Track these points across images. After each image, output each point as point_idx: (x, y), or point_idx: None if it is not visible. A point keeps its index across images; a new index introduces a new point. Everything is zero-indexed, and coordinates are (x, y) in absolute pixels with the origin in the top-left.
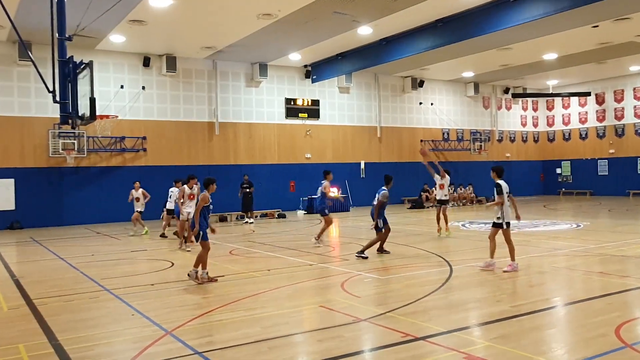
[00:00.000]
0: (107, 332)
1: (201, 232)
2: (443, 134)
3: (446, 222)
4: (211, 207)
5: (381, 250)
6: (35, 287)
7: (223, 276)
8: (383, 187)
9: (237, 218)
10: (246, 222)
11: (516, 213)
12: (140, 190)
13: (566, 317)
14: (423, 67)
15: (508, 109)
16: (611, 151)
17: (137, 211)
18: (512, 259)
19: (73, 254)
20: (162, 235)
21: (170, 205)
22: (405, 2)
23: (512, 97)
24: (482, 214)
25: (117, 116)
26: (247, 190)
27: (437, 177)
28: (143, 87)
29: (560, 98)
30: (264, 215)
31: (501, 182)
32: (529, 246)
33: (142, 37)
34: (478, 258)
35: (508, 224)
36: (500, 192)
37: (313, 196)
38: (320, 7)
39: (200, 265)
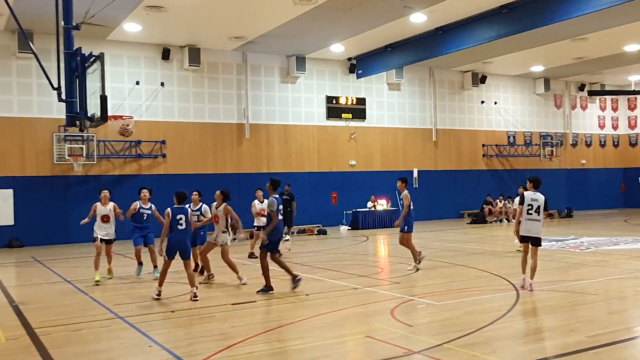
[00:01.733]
0: None
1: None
2: (508, 137)
3: None
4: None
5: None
6: (38, 315)
7: (255, 302)
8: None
9: None
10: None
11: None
12: (112, 204)
13: None
14: (485, 60)
15: (583, 108)
16: None
17: (100, 239)
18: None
19: (81, 275)
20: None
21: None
22: None
23: (588, 94)
24: (552, 230)
25: (132, 117)
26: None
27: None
28: (162, 84)
29: None
30: (301, 232)
31: (530, 193)
32: (608, 267)
33: (161, 26)
34: (549, 281)
35: (523, 237)
36: (521, 203)
37: (359, 209)
38: None
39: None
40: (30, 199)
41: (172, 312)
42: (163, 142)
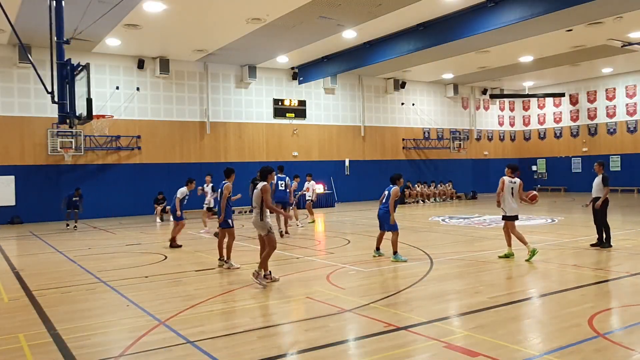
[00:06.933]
0: (103, 322)
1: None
2: (424, 133)
3: None
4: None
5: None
6: (35, 279)
7: (213, 269)
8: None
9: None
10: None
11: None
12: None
13: (541, 308)
14: (405, 69)
15: (486, 109)
16: (584, 149)
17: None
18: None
19: (71, 247)
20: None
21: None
22: (388, 7)
23: (489, 97)
24: (460, 210)
25: (112, 116)
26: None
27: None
28: (138, 88)
29: (536, 99)
30: (251, 211)
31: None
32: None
33: (137, 41)
34: (457, 251)
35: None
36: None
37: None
38: (306, 11)
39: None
40: (29, 184)
41: (146, 277)
42: (138, 136)
